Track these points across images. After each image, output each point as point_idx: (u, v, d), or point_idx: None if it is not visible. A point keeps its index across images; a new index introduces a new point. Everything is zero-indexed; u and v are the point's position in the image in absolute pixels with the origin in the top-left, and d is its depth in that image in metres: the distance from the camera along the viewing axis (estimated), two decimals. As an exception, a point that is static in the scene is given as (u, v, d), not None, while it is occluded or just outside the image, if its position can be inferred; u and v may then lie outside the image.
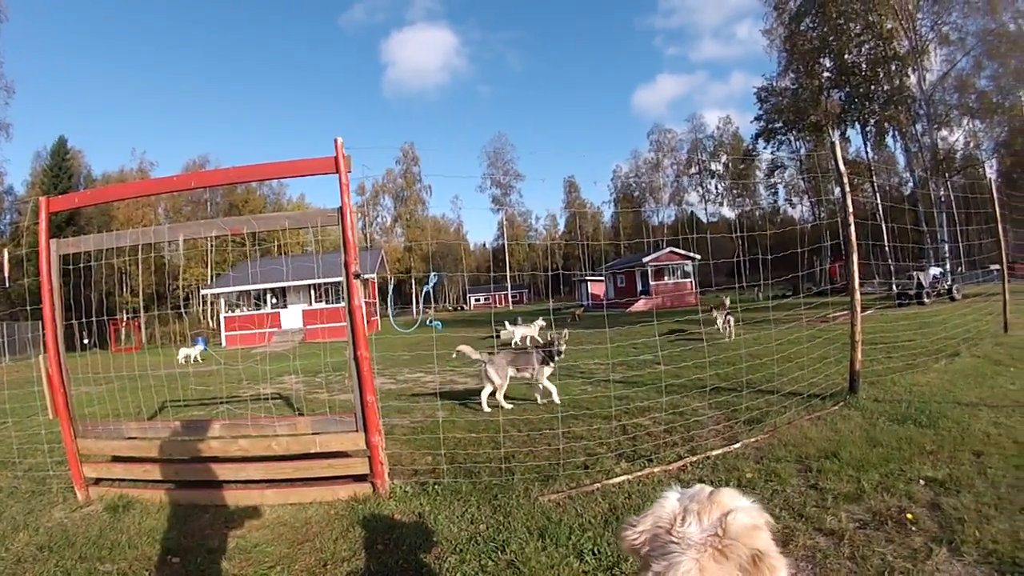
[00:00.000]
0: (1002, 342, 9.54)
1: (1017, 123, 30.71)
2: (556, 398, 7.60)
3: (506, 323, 22.48)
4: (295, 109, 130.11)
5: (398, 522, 4.07)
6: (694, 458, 4.85)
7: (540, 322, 20.54)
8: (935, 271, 21.37)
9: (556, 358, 7.84)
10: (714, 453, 4.91)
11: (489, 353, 8.07)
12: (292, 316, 36.02)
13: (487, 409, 7.55)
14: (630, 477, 4.55)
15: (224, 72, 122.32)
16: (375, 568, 3.42)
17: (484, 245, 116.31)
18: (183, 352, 21.46)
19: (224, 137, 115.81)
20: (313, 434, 4.84)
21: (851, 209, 6.23)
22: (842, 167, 6.34)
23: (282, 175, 5.37)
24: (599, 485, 4.43)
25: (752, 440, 5.17)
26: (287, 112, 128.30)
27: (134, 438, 5.31)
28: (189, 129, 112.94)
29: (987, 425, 5.00)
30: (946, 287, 20.33)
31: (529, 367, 7.91)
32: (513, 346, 16.97)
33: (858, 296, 6.21)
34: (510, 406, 7.74)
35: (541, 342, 9.10)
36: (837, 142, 6.11)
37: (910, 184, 62.56)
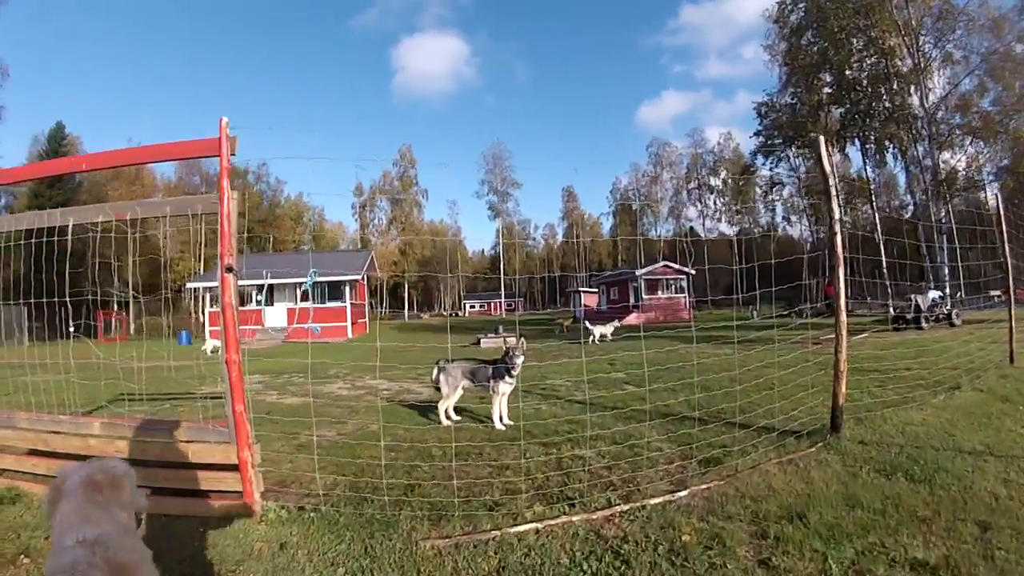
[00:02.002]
0: (1008, 374, 8.53)
1: (1021, 147, 30.05)
2: (499, 423, 6.67)
3: (487, 333, 21.93)
4: (302, 108, 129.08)
5: (255, 551, 3.57)
6: (626, 507, 3.90)
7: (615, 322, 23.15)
8: (934, 295, 20.47)
9: (512, 373, 6.79)
10: (652, 502, 3.96)
11: (445, 361, 7.29)
12: (277, 314, 35.20)
13: (444, 423, 6.93)
14: (540, 526, 3.66)
15: (231, 66, 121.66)
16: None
17: (483, 252, 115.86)
18: (210, 344, 21.66)
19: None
20: (187, 442, 4.50)
21: (837, 215, 5.30)
22: (827, 166, 5.42)
23: (164, 157, 5.05)
24: (498, 533, 3.58)
25: (703, 487, 4.22)
26: (292, 110, 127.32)
27: (23, 429, 5.13)
28: (193, 121, 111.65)
29: (995, 483, 4.03)
30: (945, 312, 19.47)
31: (485, 379, 7.02)
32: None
33: (844, 318, 5.25)
34: (448, 422, 6.94)
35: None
36: (822, 140, 5.08)
37: (910, 206, 62.54)
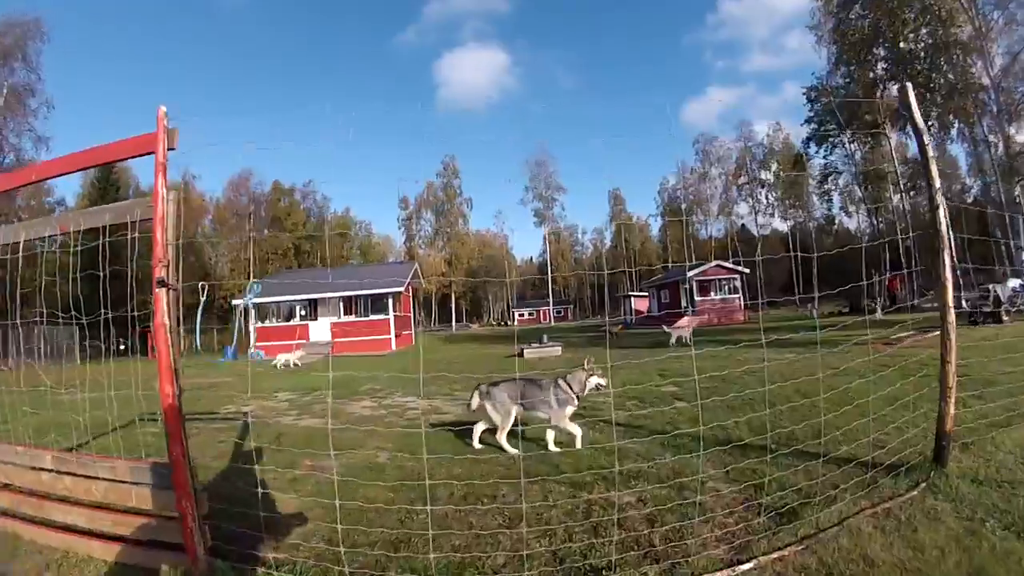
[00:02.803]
0: None
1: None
2: (579, 441, 5.78)
3: (531, 343, 20.97)
4: (348, 126, 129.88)
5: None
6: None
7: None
8: (1014, 283, 18.61)
9: (583, 394, 6.05)
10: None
11: (491, 384, 6.35)
12: (321, 329, 34.98)
13: (477, 445, 6.24)
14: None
15: (277, 93, 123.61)
16: None
17: (531, 259, 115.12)
18: (282, 358, 22.16)
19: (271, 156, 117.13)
20: (132, 483, 3.89)
21: (938, 184, 4.10)
22: (918, 118, 4.23)
23: (98, 161, 4.41)
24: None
25: (774, 556, 3.11)
26: (337, 128, 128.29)
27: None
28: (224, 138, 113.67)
29: None
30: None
31: (544, 405, 6.06)
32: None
33: (952, 317, 4.06)
34: (514, 451, 5.87)
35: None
36: (909, 87, 3.87)
37: (973, 190, 59.05)
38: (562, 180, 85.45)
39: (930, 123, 29.99)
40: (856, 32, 28.93)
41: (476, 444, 6.28)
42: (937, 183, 4.11)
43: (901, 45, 27.78)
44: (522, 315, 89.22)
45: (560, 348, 20.14)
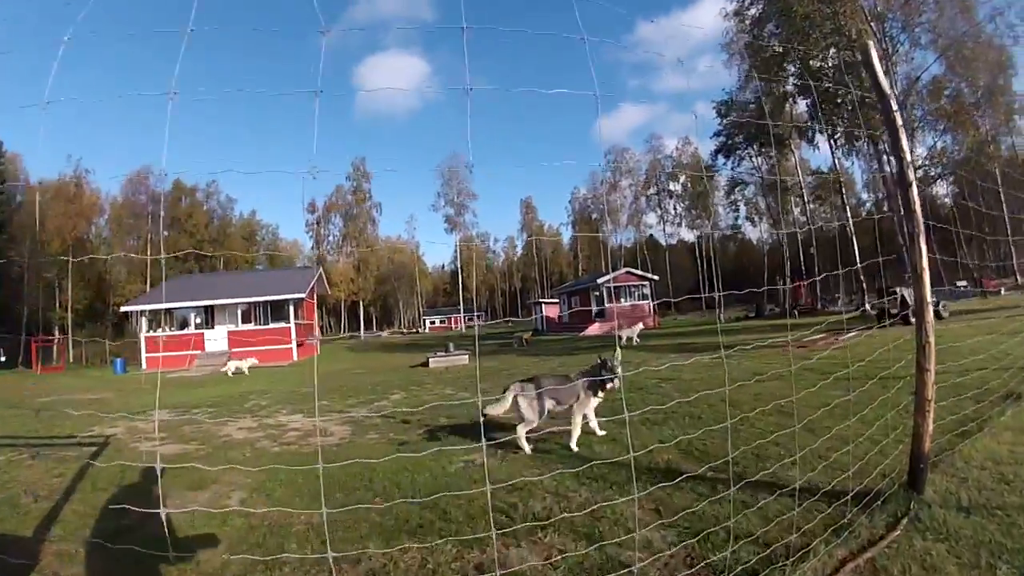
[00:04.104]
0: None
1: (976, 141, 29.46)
2: (573, 444, 5.73)
3: (436, 352, 19.99)
4: (256, 124, 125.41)
5: None
6: None
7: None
8: (920, 287, 18.97)
9: (609, 385, 5.80)
10: None
11: (523, 381, 6.14)
12: (217, 338, 32.65)
13: (527, 450, 5.69)
14: None
15: (189, 80, 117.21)
16: None
17: (443, 267, 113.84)
18: (233, 364, 22.46)
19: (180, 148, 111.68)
20: None
21: (908, 155, 3.36)
22: (882, 79, 3.48)
23: None
24: None
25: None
26: (246, 127, 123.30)
27: None
28: (137, 138, 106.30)
29: None
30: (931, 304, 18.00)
31: (572, 398, 5.98)
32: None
33: (930, 315, 3.33)
34: (529, 449, 5.69)
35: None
36: (871, 45, 3.11)
37: (867, 204, 62.08)
38: (474, 188, 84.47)
39: (837, 136, 30.96)
40: (768, 49, 29.43)
41: (526, 449, 5.70)
42: (908, 155, 3.37)
43: (811, 62, 28.38)
44: (433, 323, 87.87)
45: (467, 356, 19.18)
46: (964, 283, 36.83)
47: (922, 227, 3.28)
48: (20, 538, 4.16)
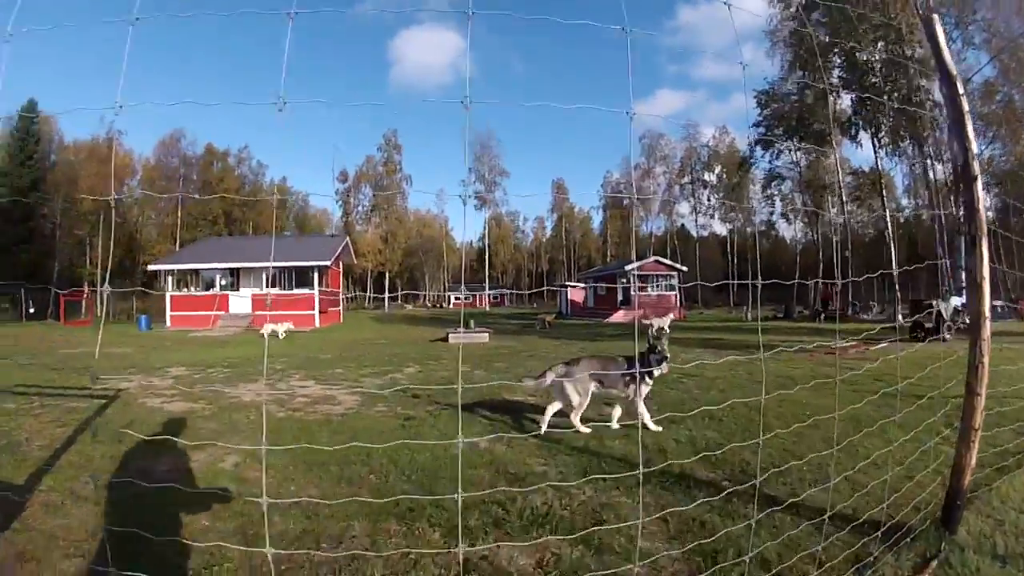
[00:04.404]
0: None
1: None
2: (651, 424, 5.73)
3: (456, 328, 19.85)
4: (298, 94, 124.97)
5: None
6: None
7: None
8: (956, 301, 18.25)
9: (659, 368, 5.80)
10: None
11: (568, 363, 5.96)
12: (242, 300, 32.81)
13: (543, 430, 5.62)
14: None
15: (226, 51, 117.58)
16: None
17: (471, 243, 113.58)
18: (268, 327, 21.96)
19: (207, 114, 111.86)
20: None
21: (974, 146, 3.00)
22: (947, 57, 3.11)
23: None
24: None
25: None
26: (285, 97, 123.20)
27: None
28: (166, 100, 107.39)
29: None
30: (967, 322, 17.29)
31: (619, 381, 5.84)
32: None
33: (987, 331, 2.96)
34: (588, 430, 5.64)
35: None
36: (936, 18, 2.69)
37: (907, 211, 60.38)
38: (506, 164, 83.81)
39: (881, 135, 29.91)
40: (814, 38, 28.50)
41: (544, 428, 5.67)
42: (973, 146, 3.00)
43: (858, 55, 27.36)
44: (458, 299, 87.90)
45: (488, 335, 19.00)
46: (1000, 303, 35.62)
47: (985, 229, 2.92)
48: (12, 486, 4.07)
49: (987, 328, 2.94)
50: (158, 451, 4.92)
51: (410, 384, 9.17)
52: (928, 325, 16.53)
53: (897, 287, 27.74)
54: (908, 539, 3.06)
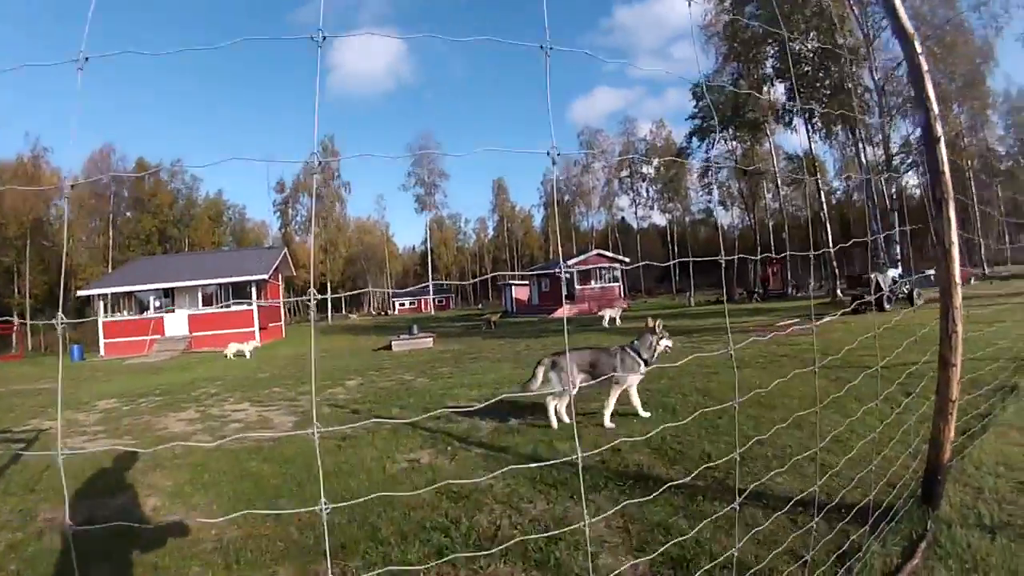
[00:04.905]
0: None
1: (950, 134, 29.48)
2: (641, 411, 5.74)
3: (399, 335, 19.34)
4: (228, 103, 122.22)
5: None
6: None
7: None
8: (894, 273, 18.75)
9: (652, 359, 5.69)
10: None
11: (556, 355, 5.94)
12: (178, 322, 31.37)
13: (562, 421, 5.68)
14: None
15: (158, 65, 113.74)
16: None
17: (413, 248, 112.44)
18: (233, 347, 21.85)
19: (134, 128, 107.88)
20: None
21: (935, 107, 2.78)
22: (906, 22, 2.89)
23: None
24: None
25: None
26: (220, 108, 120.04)
27: None
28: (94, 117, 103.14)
29: None
30: (905, 291, 17.76)
31: (608, 370, 5.68)
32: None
33: (959, 299, 2.74)
34: (567, 420, 5.65)
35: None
36: None
37: (837, 192, 62.28)
38: (445, 167, 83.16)
39: (814, 120, 30.59)
40: (748, 30, 28.97)
41: (555, 423, 5.66)
42: (935, 106, 2.78)
43: (791, 45, 27.89)
44: (403, 304, 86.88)
45: (432, 339, 18.57)
46: (934, 272, 36.96)
47: (951, 192, 2.70)
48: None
49: (958, 295, 2.72)
50: (75, 498, 4.39)
51: (351, 398, 8.72)
52: (868, 297, 16.87)
53: (834, 263, 28.44)
54: (891, 521, 2.82)
